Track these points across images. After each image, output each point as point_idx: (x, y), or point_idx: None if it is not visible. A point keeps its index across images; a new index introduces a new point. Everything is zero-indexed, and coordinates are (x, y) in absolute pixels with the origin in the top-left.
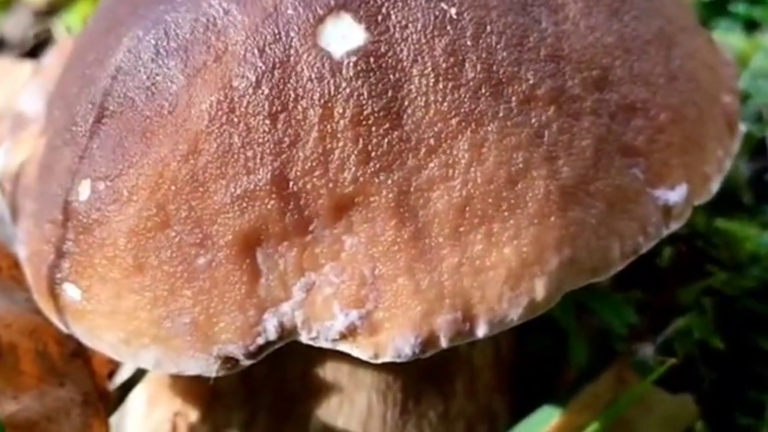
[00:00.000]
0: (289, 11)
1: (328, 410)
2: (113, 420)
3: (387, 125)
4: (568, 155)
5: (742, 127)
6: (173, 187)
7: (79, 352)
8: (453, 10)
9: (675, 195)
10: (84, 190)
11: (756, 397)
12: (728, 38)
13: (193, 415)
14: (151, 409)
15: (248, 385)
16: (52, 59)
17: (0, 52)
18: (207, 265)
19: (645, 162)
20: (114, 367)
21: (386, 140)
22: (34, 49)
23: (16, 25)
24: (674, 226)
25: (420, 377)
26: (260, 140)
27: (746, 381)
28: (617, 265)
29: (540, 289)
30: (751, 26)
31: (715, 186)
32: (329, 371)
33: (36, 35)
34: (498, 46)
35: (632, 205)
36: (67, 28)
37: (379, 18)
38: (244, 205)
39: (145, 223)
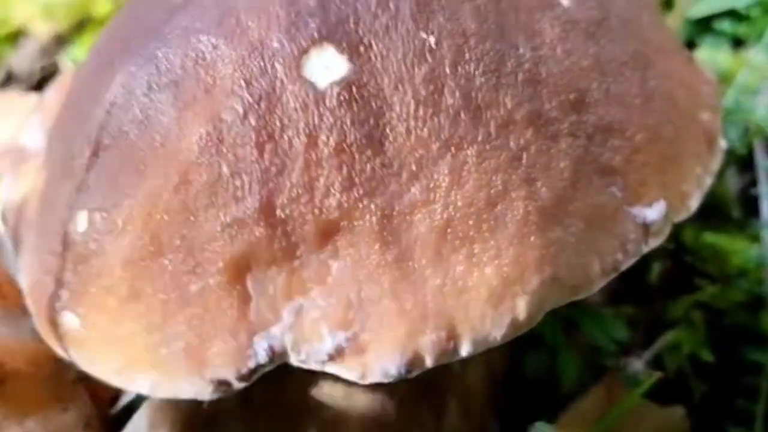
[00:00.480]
0: (275, 44)
1: (324, 428)
2: None
3: (369, 152)
4: (546, 176)
5: (723, 144)
6: (165, 217)
7: (81, 378)
8: (432, 39)
9: (653, 212)
10: (81, 222)
11: (746, 407)
12: (714, 55)
13: None
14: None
15: (246, 407)
16: (52, 94)
17: (8, 85)
18: (199, 292)
19: (622, 181)
20: (115, 392)
21: (369, 166)
22: (41, 82)
23: (24, 58)
24: (653, 242)
25: (414, 397)
26: (248, 170)
27: (736, 392)
28: (598, 283)
29: (522, 307)
30: (736, 43)
31: (694, 203)
32: (325, 392)
33: (43, 68)
34: (476, 73)
35: (611, 223)
36: (72, 60)
37: (361, 48)
38: (234, 232)
39: (140, 252)
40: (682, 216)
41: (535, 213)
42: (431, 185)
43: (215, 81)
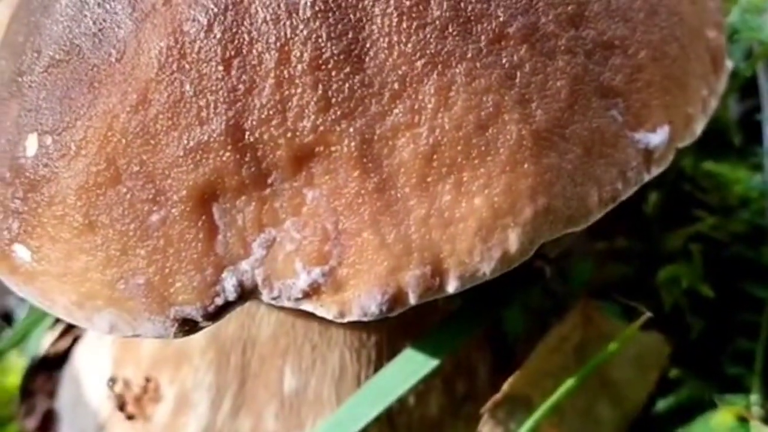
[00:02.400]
0: None
1: (299, 370)
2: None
3: (348, 69)
4: (541, 97)
5: (729, 64)
6: (123, 140)
7: None
8: None
9: (656, 138)
10: (31, 145)
11: (745, 345)
12: None
13: (160, 377)
14: (118, 370)
15: (217, 347)
16: (2, 9)
17: None
18: (161, 223)
19: (624, 103)
20: None
21: (347, 85)
22: None
23: None
24: (655, 170)
25: (395, 334)
26: (213, 88)
27: (735, 329)
28: (595, 214)
29: (513, 240)
30: None
31: (699, 127)
32: (300, 330)
33: None
34: None
35: (611, 149)
36: None
37: None
38: (198, 157)
39: (95, 179)
40: (686, 141)
41: (529, 137)
42: (416, 106)
43: None
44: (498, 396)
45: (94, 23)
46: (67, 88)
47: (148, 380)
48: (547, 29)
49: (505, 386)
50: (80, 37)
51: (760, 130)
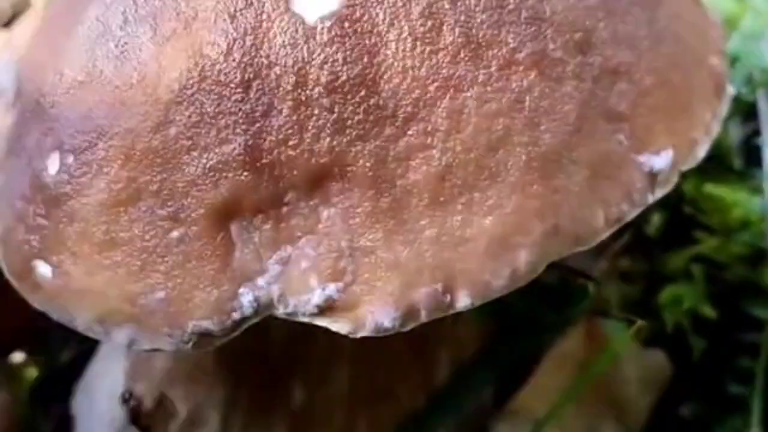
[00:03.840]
0: None
1: (310, 384)
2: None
3: (363, 92)
4: (550, 121)
5: (731, 90)
6: (144, 159)
7: None
8: None
9: (660, 161)
10: (53, 164)
11: (747, 364)
12: (718, 0)
13: (173, 392)
14: (131, 383)
15: (229, 362)
16: (21, 30)
17: None
18: (180, 239)
19: (629, 127)
20: None
21: (362, 108)
22: (12, 20)
23: None
24: (660, 192)
25: (403, 348)
26: (232, 109)
27: (736, 349)
28: (602, 234)
29: (523, 259)
30: None
31: (702, 151)
32: (310, 344)
33: (13, 5)
34: (477, 9)
35: (616, 171)
36: None
37: None
38: (217, 177)
39: (116, 196)
40: (690, 165)
41: (538, 159)
42: (429, 129)
43: (197, 13)
44: (503, 410)
45: (116, 46)
46: (89, 109)
47: (161, 396)
48: (556, 55)
49: (511, 401)
50: (102, 60)
51: (760, 153)
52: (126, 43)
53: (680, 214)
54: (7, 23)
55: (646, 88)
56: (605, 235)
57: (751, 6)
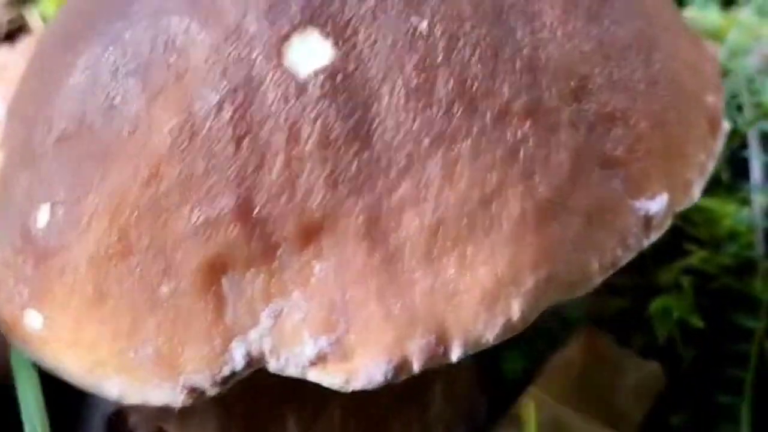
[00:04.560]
0: (252, 29)
1: (304, 417)
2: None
3: (356, 147)
4: (544, 171)
5: (726, 126)
6: (135, 214)
7: None
8: (424, 24)
9: (655, 205)
10: (42, 216)
11: (736, 374)
12: (704, 14)
13: (167, 426)
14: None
15: (221, 399)
16: (16, 60)
17: None
18: (170, 294)
19: (625, 172)
20: None
21: (355, 163)
22: (9, 35)
23: None
24: (654, 236)
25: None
26: (224, 165)
27: (725, 359)
28: (596, 280)
29: (516, 309)
30: (727, 2)
31: (697, 191)
32: (303, 381)
33: (9, 21)
34: (471, 60)
35: (611, 216)
36: (41, 15)
37: (348, 33)
38: (208, 232)
39: (106, 250)
40: (685, 205)
41: (532, 210)
42: (422, 183)
43: (188, 68)
44: (502, 417)
45: (106, 99)
46: (79, 161)
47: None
48: (551, 104)
49: (511, 408)
50: (92, 112)
51: (747, 166)
52: (116, 95)
53: (671, 226)
54: (5, 39)
55: (642, 133)
56: (599, 280)
57: (738, 20)
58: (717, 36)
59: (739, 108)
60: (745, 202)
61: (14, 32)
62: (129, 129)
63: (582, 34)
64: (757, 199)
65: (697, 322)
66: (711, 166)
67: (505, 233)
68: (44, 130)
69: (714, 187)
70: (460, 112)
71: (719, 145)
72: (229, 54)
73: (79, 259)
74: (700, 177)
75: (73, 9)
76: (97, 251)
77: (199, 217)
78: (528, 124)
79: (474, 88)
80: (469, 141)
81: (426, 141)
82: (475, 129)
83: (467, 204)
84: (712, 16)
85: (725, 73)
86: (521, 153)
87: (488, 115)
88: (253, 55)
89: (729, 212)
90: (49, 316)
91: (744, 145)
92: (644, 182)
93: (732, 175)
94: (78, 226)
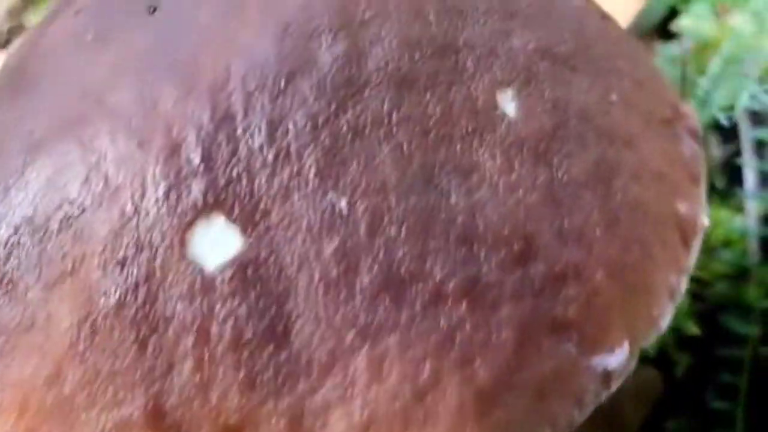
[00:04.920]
0: (151, 215)
1: None
2: None
3: (272, 347)
4: (484, 353)
5: (705, 222)
6: (40, 414)
7: None
8: (343, 202)
9: (615, 359)
10: None
11: (730, 380)
12: (699, 23)
13: None
14: None
15: None
16: None
17: None
18: None
19: (578, 333)
20: None
21: (272, 363)
22: (7, 44)
23: None
24: (615, 385)
25: None
26: (129, 368)
27: (719, 365)
28: None
29: None
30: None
31: (665, 320)
32: None
33: (9, 30)
34: (398, 240)
35: (565, 383)
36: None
37: (257, 217)
38: None
39: None
40: (652, 339)
41: (472, 398)
42: (347, 381)
43: (84, 257)
44: None
45: (2, 278)
46: None
47: None
48: (490, 278)
49: None
50: None
51: (741, 173)
52: (11, 279)
53: None
54: (4, 45)
55: (598, 286)
56: None
57: (733, 28)
58: (711, 45)
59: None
60: (739, 209)
61: (14, 40)
62: (27, 321)
63: (527, 182)
64: (752, 207)
65: (692, 329)
66: (684, 284)
67: (443, 427)
68: None
69: (708, 194)
70: (386, 302)
71: (693, 256)
72: (128, 243)
73: None
74: (671, 302)
75: None
76: None
77: (107, 423)
78: (464, 305)
79: (401, 272)
80: (397, 333)
81: (349, 336)
82: (403, 318)
83: (398, 400)
84: (705, 25)
85: (720, 82)
86: (457, 338)
87: (418, 302)
88: (154, 246)
89: (723, 220)
90: None
91: (738, 153)
92: (601, 338)
93: (726, 182)
94: None
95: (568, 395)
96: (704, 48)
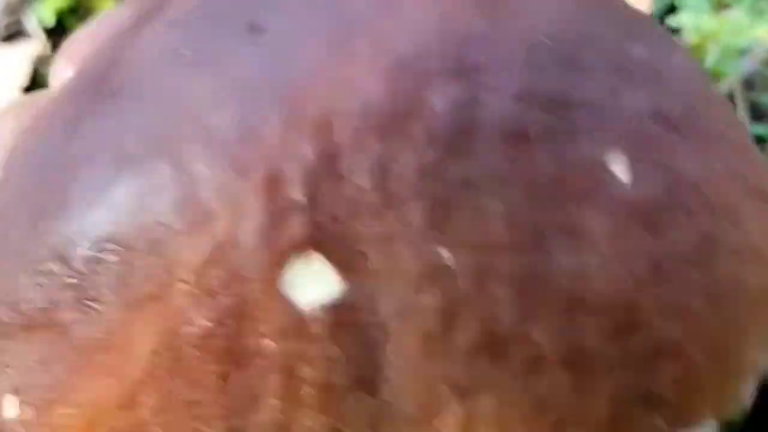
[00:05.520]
0: (246, 247)
1: None
2: None
3: (361, 394)
4: (579, 422)
5: None
6: None
7: None
8: (447, 254)
9: None
10: (9, 407)
11: None
12: (697, 18)
13: None
14: None
15: None
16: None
17: None
18: None
19: (670, 408)
20: None
21: (360, 411)
22: (7, 39)
23: None
24: None
25: None
26: (208, 401)
27: None
28: None
29: None
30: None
31: (748, 397)
32: None
33: (7, 26)
34: (503, 299)
35: None
36: (39, 19)
37: (358, 259)
38: None
39: None
40: (732, 415)
41: None
42: None
43: (173, 283)
44: None
45: (79, 293)
46: (48, 362)
47: None
48: (590, 345)
49: None
50: (63, 307)
51: None
52: (90, 293)
53: None
54: (3, 39)
55: (695, 363)
56: None
57: (730, 21)
58: (709, 37)
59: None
60: None
61: (13, 35)
62: (104, 340)
63: (635, 251)
64: None
65: None
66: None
67: None
68: (6, 310)
69: None
70: (484, 361)
71: None
72: (219, 273)
73: None
74: (754, 378)
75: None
76: None
77: None
78: (563, 371)
79: (502, 333)
80: (492, 392)
81: (442, 391)
82: (500, 379)
83: None
84: (702, 18)
85: (720, 74)
86: (553, 406)
87: (517, 365)
88: (247, 279)
89: None
90: None
91: None
92: (691, 413)
93: None
94: None
95: None
96: (703, 42)
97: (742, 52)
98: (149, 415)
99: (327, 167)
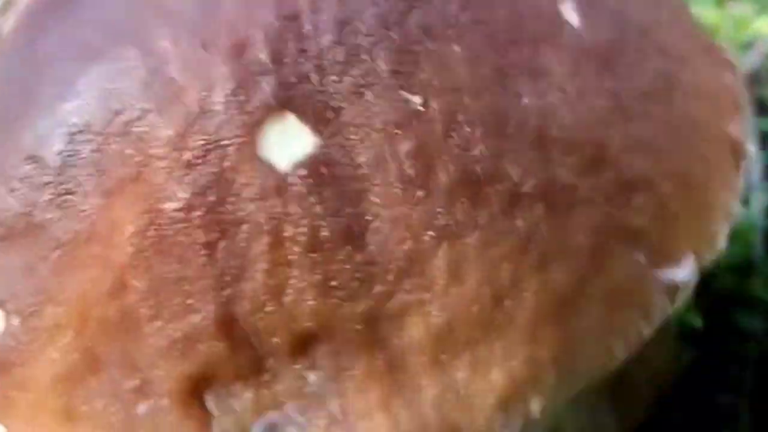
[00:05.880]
0: (219, 115)
1: None
2: None
3: (349, 248)
4: (560, 259)
5: (752, 150)
6: (101, 328)
7: None
8: (417, 99)
9: (681, 272)
10: None
11: (736, 374)
12: (699, 11)
13: None
14: None
15: None
16: None
17: None
18: (149, 413)
19: (648, 243)
20: None
21: (348, 266)
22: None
23: None
24: (680, 300)
25: None
26: (198, 275)
27: (726, 359)
28: (618, 362)
29: (534, 407)
30: None
31: (723, 240)
32: None
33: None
34: (474, 139)
35: (635, 295)
36: None
37: (329, 114)
38: (188, 347)
39: (73, 367)
40: (710, 260)
41: (549, 304)
42: (425, 284)
43: (148, 161)
44: None
45: (56, 193)
46: (32, 265)
47: None
48: (565, 181)
49: None
50: (41, 209)
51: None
52: (68, 190)
53: None
54: None
55: (666, 197)
56: (623, 359)
57: (733, 15)
58: (711, 31)
59: None
60: (745, 202)
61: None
62: (86, 232)
63: (595, 88)
64: (756, 199)
65: (697, 322)
66: (736, 203)
67: (521, 331)
68: None
69: None
70: (464, 201)
71: (742, 177)
72: (195, 144)
73: (42, 375)
74: (726, 222)
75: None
76: (62, 368)
77: (174, 332)
78: (541, 207)
79: (478, 171)
80: (475, 234)
81: (427, 236)
82: (482, 219)
83: (477, 303)
84: (706, 13)
85: None
86: (535, 241)
87: (495, 203)
88: (223, 146)
89: None
90: (10, 426)
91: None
92: (669, 249)
93: None
94: (38, 340)
95: (637, 307)
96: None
97: (747, 46)
98: (140, 299)
99: (290, 28)
